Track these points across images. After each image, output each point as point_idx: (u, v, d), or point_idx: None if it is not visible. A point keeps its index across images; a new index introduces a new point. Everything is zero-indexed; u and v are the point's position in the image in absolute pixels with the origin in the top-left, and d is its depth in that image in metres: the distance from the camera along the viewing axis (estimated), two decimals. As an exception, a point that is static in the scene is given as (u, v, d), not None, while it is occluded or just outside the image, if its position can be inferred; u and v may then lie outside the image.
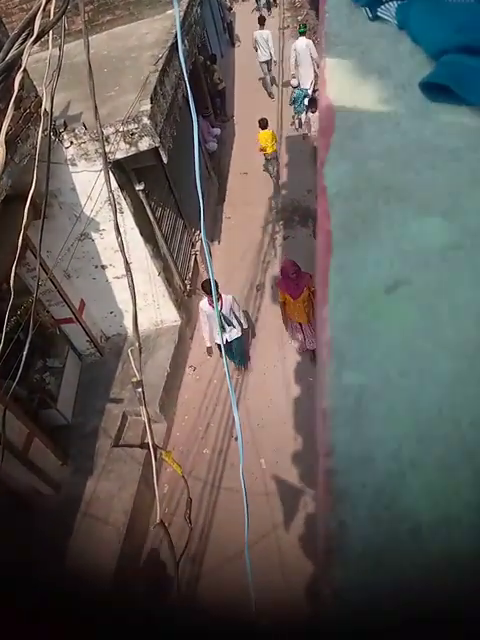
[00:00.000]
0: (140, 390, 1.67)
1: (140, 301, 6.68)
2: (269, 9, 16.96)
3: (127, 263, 1.29)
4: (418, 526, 0.26)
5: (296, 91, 10.21)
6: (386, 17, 0.61)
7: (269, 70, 12.15)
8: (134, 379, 1.63)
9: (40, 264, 5.13)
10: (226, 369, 1.95)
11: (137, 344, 1.36)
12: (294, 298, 5.65)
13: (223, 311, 5.58)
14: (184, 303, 7.16)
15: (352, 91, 0.51)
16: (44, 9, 2.13)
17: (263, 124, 9.06)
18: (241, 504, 2.83)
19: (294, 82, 10.40)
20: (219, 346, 5.84)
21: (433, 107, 0.45)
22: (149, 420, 1.71)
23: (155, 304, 6.65)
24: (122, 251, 1.28)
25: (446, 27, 0.50)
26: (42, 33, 2.21)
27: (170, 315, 6.90)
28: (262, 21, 12.26)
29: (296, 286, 5.58)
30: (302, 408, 5.86)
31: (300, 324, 5.96)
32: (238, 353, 6.22)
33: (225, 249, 8.38)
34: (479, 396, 0.28)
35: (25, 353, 2.82)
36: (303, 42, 10.13)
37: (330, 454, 0.28)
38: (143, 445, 5.84)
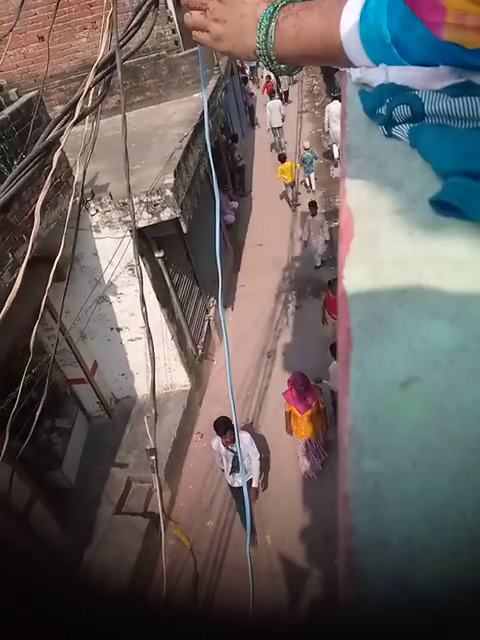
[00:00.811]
0: (153, 458, 1.68)
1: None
2: (286, 99, 18.09)
3: (149, 333, 1.35)
4: (429, 605, 0.29)
5: (306, 153, 11.32)
6: (399, 136, 0.69)
7: (281, 134, 13.85)
8: (148, 446, 1.64)
9: (57, 323, 5.26)
10: (247, 514, 1.86)
11: (153, 411, 1.39)
12: (301, 412, 5.42)
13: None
14: (195, 367, 7.20)
15: (369, 201, 0.58)
16: (85, 97, 2.34)
17: (282, 158, 11.37)
18: (244, 582, 2.70)
19: (306, 144, 11.63)
20: (233, 489, 5.40)
21: (441, 220, 0.51)
22: (161, 490, 1.69)
23: (166, 367, 6.70)
24: (145, 322, 1.34)
25: (453, 153, 0.57)
26: (82, 116, 2.42)
27: (181, 379, 6.92)
28: (273, 94, 15.14)
29: (303, 400, 5.38)
30: (311, 481, 5.71)
31: (307, 441, 5.61)
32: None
33: (238, 315, 8.52)
34: (483, 487, 0.32)
35: (37, 413, 2.84)
36: (337, 105, 11.38)
37: (350, 534, 0.32)
38: (145, 514, 5.68)
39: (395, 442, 0.35)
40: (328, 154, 12.98)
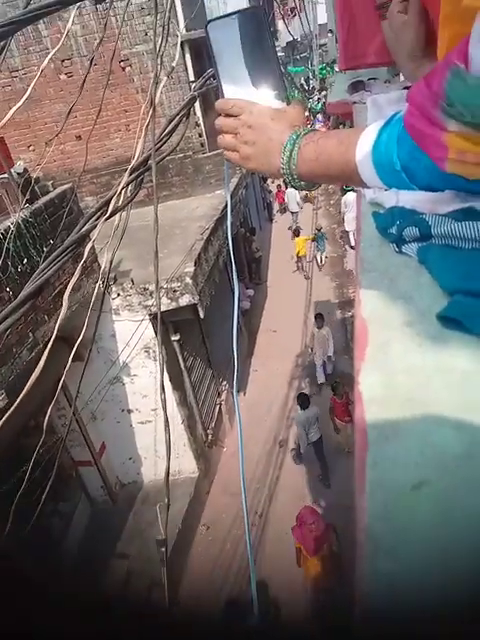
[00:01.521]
0: (163, 550, 1.63)
1: (161, 448, 6.56)
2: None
3: (166, 422, 1.38)
4: None
5: (318, 233, 13.01)
6: (409, 254, 0.77)
7: (297, 220, 15.40)
8: (159, 537, 1.59)
9: (71, 406, 5.28)
10: None
11: (166, 500, 1.37)
12: (310, 554, 4.85)
13: None
14: (204, 454, 7.05)
15: (382, 312, 0.64)
16: (118, 195, 2.56)
17: (297, 233, 13.38)
18: None
19: (319, 225, 13.45)
20: None
21: (448, 333, 0.57)
22: (168, 585, 1.62)
23: (175, 453, 6.57)
24: (164, 410, 1.37)
25: (456, 272, 0.64)
26: (113, 213, 2.62)
27: (189, 466, 6.76)
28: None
29: (314, 539, 4.81)
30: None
31: (317, 581, 4.96)
32: None
33: (251, 400, 8.44)
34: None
35: (44, 497, 2.79)
36: (351, 196, 12.32)
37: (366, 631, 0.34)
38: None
39: (408, 543, 0.38)
40: (343, 238, 13.89)
